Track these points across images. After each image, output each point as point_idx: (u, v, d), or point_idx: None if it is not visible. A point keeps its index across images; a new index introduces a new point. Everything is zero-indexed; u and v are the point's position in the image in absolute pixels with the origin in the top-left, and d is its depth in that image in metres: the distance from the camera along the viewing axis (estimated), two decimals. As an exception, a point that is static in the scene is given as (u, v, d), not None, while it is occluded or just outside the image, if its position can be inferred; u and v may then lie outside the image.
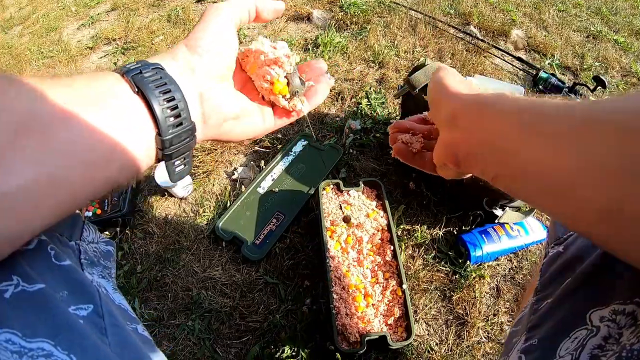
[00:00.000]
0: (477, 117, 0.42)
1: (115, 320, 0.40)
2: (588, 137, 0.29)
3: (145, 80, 0.37)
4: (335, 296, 1.02)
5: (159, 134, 0.38)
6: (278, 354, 1.03)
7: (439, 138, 0.49)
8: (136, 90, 0.37)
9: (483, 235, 1.18)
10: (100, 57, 1.84)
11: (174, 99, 0.38)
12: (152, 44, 1.83)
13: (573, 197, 0.31)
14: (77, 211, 0.46)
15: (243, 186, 1.30)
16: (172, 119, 0.38)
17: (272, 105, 0.50)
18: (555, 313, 0.48)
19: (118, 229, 1.24)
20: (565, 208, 0.33)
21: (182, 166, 0.43)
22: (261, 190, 1.26)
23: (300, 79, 0.49)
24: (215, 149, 1.41)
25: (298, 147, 1.36)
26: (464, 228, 1.23)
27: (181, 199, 1.31)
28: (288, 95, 0.48)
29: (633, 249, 0.29)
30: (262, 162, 1.36)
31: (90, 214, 1.24)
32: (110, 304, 0.41)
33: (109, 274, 0.50)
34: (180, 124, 0.39)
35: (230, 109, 0.45)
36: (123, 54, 1.82)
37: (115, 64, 1.76)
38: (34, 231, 0.33)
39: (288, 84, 0.47)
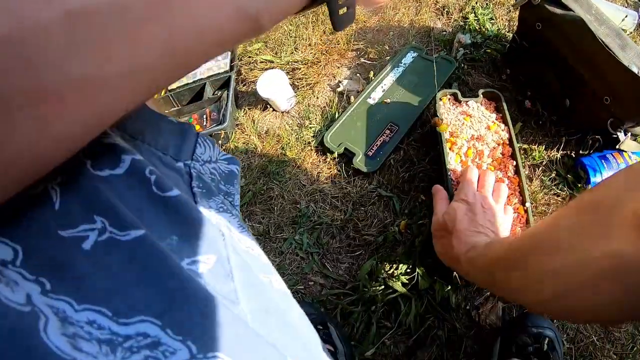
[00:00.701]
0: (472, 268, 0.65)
1: (249, 276, 0.29)
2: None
3: None
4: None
5: None
6: (392, 270, 0.98)
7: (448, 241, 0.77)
8: None
9: (603, 161, 1.08)
10: None
11: None
12: None
13: None
14: (202, 128, 0.38)
15: (352, 98, 1.23)
16: None
17: None
18: None
19: (220, 141, 1.20)
20: None
21: (346, 8, 0.35)
22: (372, 101, 1.18)
23: None
24: (319, 62, 1.33)
25: (408, 59, 1.26)
26: (581, 152, 1.13)
27: (284, 112, 1.26)
28: None
29: None
30: (371, 73, 1.27)
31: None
32: (239, 252, 0.30)
33: (231, 202, 0.39)
34: None
35: None
36: None
37: None
38: (131, 102, 0.23)
39: None
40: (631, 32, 1.39)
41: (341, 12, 0.36)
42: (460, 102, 1.11)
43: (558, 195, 1.08)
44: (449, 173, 0.99)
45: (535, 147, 1.13)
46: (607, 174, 1.06)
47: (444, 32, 1.37)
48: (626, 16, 1.37)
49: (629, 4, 1.51)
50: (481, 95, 1.11)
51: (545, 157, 1.13)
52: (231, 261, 0.28)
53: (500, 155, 1.04)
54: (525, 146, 1.14)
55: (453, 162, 1.03)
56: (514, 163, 1.03)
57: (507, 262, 0.47)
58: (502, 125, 1.08)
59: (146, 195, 0.27)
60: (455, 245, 0.72)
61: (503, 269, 0.48)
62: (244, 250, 0.32)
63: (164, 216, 0.27)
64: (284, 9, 0.29)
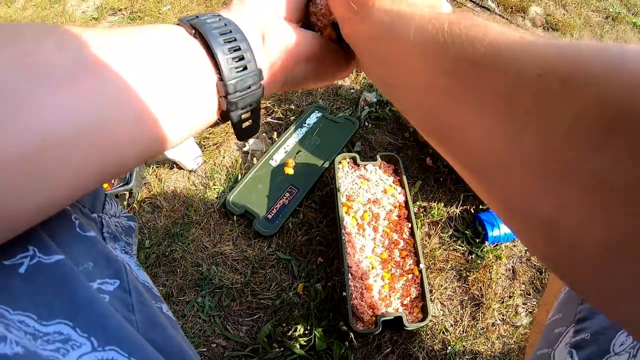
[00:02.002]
0: (388, 50, 0.34)
1: (142, 297, 0.37)
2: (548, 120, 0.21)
3: (202, 21, 0.33)
4: (350, 275, 0.99)
5: (220, 78, 0.33)
6: (290, 332, 1.00)
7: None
8: (193, 32, 0.33)
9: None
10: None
11: (235, 39, 0.34)
12: (160, 13, 1.76)
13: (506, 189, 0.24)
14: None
15: (255, 158, 1.26)
16: (234, 62, 0.33)
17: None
18: None
19: (125, 202, 1.20)
20: (492, 200, 0.27)
21: (250, 122, 0.39)
22: (274, 163, 1.22)
23: None
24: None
25: (312, 119, 1.31)
26: (481, 207, 1.20)
27: (190, 171, 1.27)
28: None
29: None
30: (275, 133, 1.31)
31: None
32: (136, 281, 0.38)
33: (131, 250, 0.46)
34: (245, 67, 0.34)
35: (300, 48, 0.39)
36: (129, 24, 1.75)
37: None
38: (70, 196, 0.29)
39: None
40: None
41: (245, 124, 0.39)
42: (358, 165, 1.16)
43: (456, 251, 1.14)
44: (344, 237, 1.03)
45: (435, 204, 1.19)
46: (505, 227, 1.12)
47: (352, 90, 1.43)
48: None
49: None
50: (379, 159, 1.16)
51: (445, 213, 1.19)
52: (130, 285, 0.36)
53: (397, 218, 1.10)
54: (425, 204, 1.20)
55: (349, 225, 1.07)
56: (409, 225, 1.08)
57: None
58: (399, 188, 1.13)
59: (71, 232, 0.34)
60: None
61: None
62: (141, 282, 0.40)
63: (83, 249, 0.34)
64: (192, 133, 0.35)
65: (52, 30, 0.28)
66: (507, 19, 1.66)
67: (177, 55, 0.32)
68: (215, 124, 0.38)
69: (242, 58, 0.34)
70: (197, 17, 0.34)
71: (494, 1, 1.78)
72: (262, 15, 0.38)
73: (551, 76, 0.21)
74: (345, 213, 1.08)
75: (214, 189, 1.22)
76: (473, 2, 1.68)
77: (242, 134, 0.39)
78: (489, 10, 1.67)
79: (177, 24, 0.34)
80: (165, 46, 0.32)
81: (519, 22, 1.69)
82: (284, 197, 1.15)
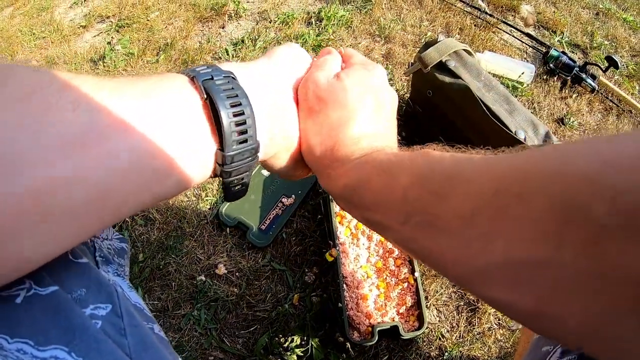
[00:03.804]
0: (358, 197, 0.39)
1: (134, 320, 0.38)
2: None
3: (217, 89, 0.34)
4: (345, 285, 0.99)
5: (221, 149, 0.34)
6: (287, 343, 1.00)
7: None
8: (205, 98, 0.34)
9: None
10: (94, 36, 1.75)
11: (243, 113, 0.35)
12: (148, 20, 1.74)
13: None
14: None
15: (247, 169, 1.25)
16: (237, 134, 0.35)
17: None
18: None
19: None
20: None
21: (240, 186, 0.40)
22: (266, 173, 1.21)
23: None
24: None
25: (304, 128, 1.30)
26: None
27: (182, 182, 1.26)
28: None
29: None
30: (267, 143, 1.30)
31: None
32: (128, 303, 0.39)
33: (123, 272, 0.48)
34: (245, 140, 0.35)
35: (293, 138, 0.43)
36: (117, 31, 1.73)
37: (109, 43, 1.67)
38: (70, 246, 0.32)
39: None
40: (528, 85, 1.49)
41: (235, 189, 0.40)
42: (350, 173, 1.15)
43: (449, 255, 1.14)
44: (338, 247, 1.02)
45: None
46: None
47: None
48: (523, 73, 1.47)
49: (528, 55, 1.62)
50: (371, 167, 1.16)
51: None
52: (122, 308, 0.37)
53: (389, 225, 1.09)
54: (417, 209, 1.19)
55: (343, 235, 1.06)
56: (402, 232, 1.07)
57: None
58: (391, 195, 1.13)
59: (64, 260, 0.35)
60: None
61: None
62: (133, 304, 0.40)
63: (76, 276, 0.35)
64: (189, 185, 0.36)
65: (68, 85, 0.29)
66: (498, 19, 1.65)
67: (187, 124, 0.33)
68: None
69: (245, 132, 0.35)
70: (212, 77, 0.34)
71: (484, 1, 1.77)
72: (273, 94, 0.40)
73: (507, 191, 0.24)
74: (339, 223, 1.08)
75: (207, 200, 1.21)
76: (463, 1, 1.67)
77: (231, 198, 0.41)
78: (479, 9, 1.66)
79: (191, 80, 0.35)
80: (176, 114, 0.32)
81: (509, 21, 1.68)
82: (277, 207, 1.15)
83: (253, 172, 1.12)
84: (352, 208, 0.41)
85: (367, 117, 0.43)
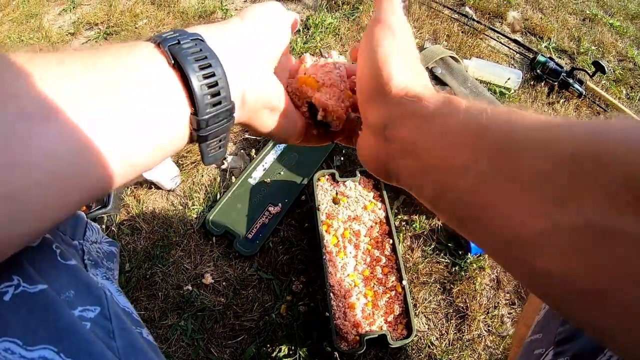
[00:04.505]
0: (418, 135, 0.34)
1: (123, 323, 0.38)
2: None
3: (184, 53, 0.32)
4: (332, 295, 0.98)
5: (194, 113, 0.33)
6: (275, 353, 0.99)
7: (363, 135, 0.41)
8: (172, 62, 0.32)
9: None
10: (82, 43, 1.75)
11: (213, 74, 0.33)
12: (136, 27, 1.74)
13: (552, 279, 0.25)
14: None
15: (233, 177, 1.24)
16: (210, 97, 0.33)
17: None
18: None
19: (104, 226, 1.18)
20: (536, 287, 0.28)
21: (217, 149, 0.39)
22: (252, 181, 1.20)
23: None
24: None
25: (291, 136, 1.29)
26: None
27: (169, 191, 1.25)
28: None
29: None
30: (253, 150, 1.29)
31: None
32: (116, 307, 0.39)
33: (112, 275, 0.48)
34: (219, 102, 0.34)
35: (271, 96, 0.40)
36: (105, 39, 1.73)
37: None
38: (49, 227, 0.30)
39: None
40: (515, 90, 1.49)
41: (212, 152, 0.39)
42: (337, 182, 1.15)
43: (440, 264, 1.14)
44: (325, 256, 1.02)
45: (417, 217, 1.19)
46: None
47: (330, 102, 1.41)
48: (509, 78, 1.47)
49: (516, 61, 1.63)
50: (359, 174, 1.16)
51: (427, 226, 1.19)
52: (111, 311, 0.36)
53: (378, 234, 1.09)
54: (407, 217, 1.19)
55: (329, 244, 1.06)
56: (391, 241, 1.07)
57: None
58: (379, 204, 1.13)
59: (53, 262, 0.35)
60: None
61: None
62: (121, 308, 0.40)
63: (64, 277, 0.35)
64: (163, 159, 0.35)
65: (36, 57, 0.28)
66: (485, 25, 1.66)
67: (155, 90, 0.32)
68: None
69: (218, 93, 0.34)
70: (178, 41, 0.33)
71: (472, 8, 1.78)
72: (246, 52, 0.38)
73: (583, 156, 0.23)
74: (326, 231, 1.07)
75: (193, 208, 1.20)
76: (450, 9, 1.68)
77: (209, 160, 0.39)
78: (466, 16, 1.67)
79: (158, 45, 0.33)
80: (144, 81, 0.31)
81: (497, 27, 1.69)
82: (264, 216, 1.14)
83: (240, 181, 1.11)
84: (407, 148, 0.35)
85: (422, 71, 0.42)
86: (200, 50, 0.34)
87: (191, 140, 0.36)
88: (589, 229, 0.22)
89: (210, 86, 0.33)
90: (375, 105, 0.39)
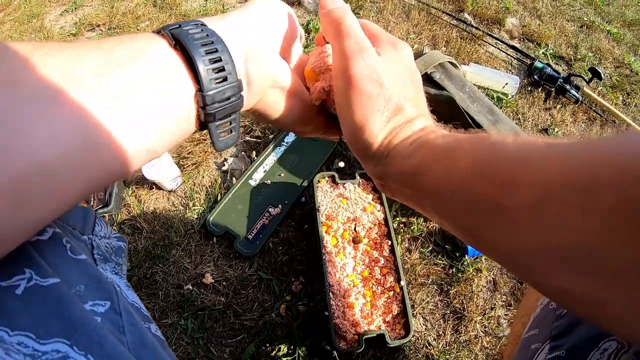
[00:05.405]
0: (413, 191, 0.37)
1: (132, 318, 0.38)
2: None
3: (184, 32, 0.33)
4: (331, 294, 1.00)
5: (200, 90, 0.33)
6: (274, 352, 1.00)
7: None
8: (174, 43, 0.33)
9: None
10: (83, 44, 1.77)
11: (216, 50, 0.33)
12: (138, 29, 1.76)
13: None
14: (88, 205, 0.43)
15: (234, 178, 1.26)
16: (214, 72, 0.33)
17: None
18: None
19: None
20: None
21: (229, 132, 0.38)
22: (253, 183, 1.22)
23: None
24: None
25: (290, 137, 1.31)
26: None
27: (170, 191, 1.26)
28: None
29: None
30: (254, 152, 1.31)
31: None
32: (126, 302, 0.39)
33: (120, 270, 0.47)
34: (225, 79, 0.34)
35: (278, 73, 0.40)
36: (107, 40, 1.74)
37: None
38: (57, 214, 0.30)
39: None
40: (513, 96, 1.51)
41: (223, 136, 0.38)
42: (337, 184, 1.16)
43: (437, 265, 1.15)
44: (324, 256, 1.03)
45: (415, 219, 1.20)
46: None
47: (330, 106, 1.43)
48: (507, 83, 1.49)
49: (513, 67, 1.65)
50: (358, 177, 1.17)
51: (425, 228, 1.20)
52: (121, 306, 0.37)
53: (376, 236, 1.10)
54: (405, 219, 1.20)
55: (329, 244, 1.07)
56: (389, 242, 1.08)
57: None
58: (378, 206, 1.14)
59: (63, 256, 0.35)
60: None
61: None
62: (130, 303, 0.40)
63: (75, 272, 0.35)
64: (173, 143, 0.35)
65: (40, 45, 0.28)
66: (483, 32, 1.68)
67: (157, 69, 0.31)
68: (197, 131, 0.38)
69: (222, 69, 0.33)
70: (179, 25, 0.34)
71: (470, 14, 1.80)
72: (247, 33, 0.38)
73: (575, 185, 0.24)
74: (325, 232, 1.08)
75: (194, 209, 1.22)
76: (449, 15, 1.70)
77: (221, 145, 0.39)
78: (465, 22, 1.69)
79: (159, 33, 0.34)
80: (145, 61, 0.31)
81: (495, 34, 1.71)
82: (265, 217, 1.16)
83: (241, 182, 1.12)
84: (407, 196, 0.39)
85: (415, 98, 0.42)
86: (202, 30, 0.34)
87: (200, 124, 0.35)
88: (584, 254, 0.24)
89: (213, 61, 0.33)
90: (365, 161, 0.42)
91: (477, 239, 0.33)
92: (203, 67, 0.32)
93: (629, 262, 0.22)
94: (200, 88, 0.33)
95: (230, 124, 0.37)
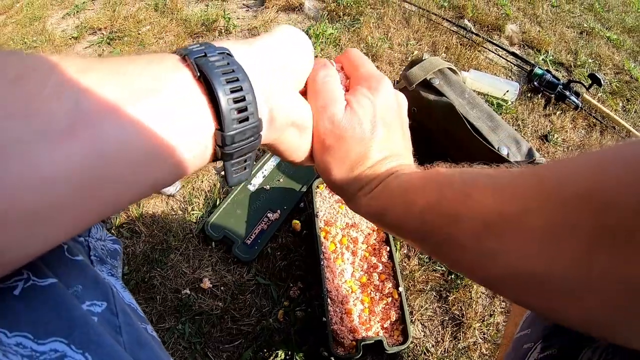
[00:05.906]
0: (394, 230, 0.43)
1: (129, 319, 0.38)
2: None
3: (209, 65, 0.31)
4: (329, 300, 0.99)
5: (220, 129, 0.32)
6: (271, 358, 1.00)
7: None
8: (198, 75, 0.31)
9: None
10: (85, 48, 1.77)
11: (241, 89, 0.32)
12: (139, 33, 1.76)
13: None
14: None
15: (233, 183, 1.26)
16: (236, 112, 0.32)
17: None
18: None
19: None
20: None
21: (242, 169, 0.38)
22: (252, 188, 1.22)
23: None
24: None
25: (290, 143, 1.31)
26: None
27: (169, 196, 1.26)
28: None
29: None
30: (253, 158, 1.31)
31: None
32: (123, 303, 0.39)
33: (116, 272, 0.48)
34: (246, 119, 0.33)
35: (303, 114, 0.41)
36: (109, 44, 1.75)
37: (100, 55, 1.69)
38: (69, 237, 0.30)
39: None
40: (513, 102, 1.51)
41: (237, 173, 0.37)
42: (335, 189, 1.16)
43: (436, 272, 1.15)
44: (322, 262, 1.03)
45: (413, 224, 1.20)
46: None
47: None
48: (507, 90, 1.49)
49: (513, 73, 1.65)
50: (356, 181, 1.17)
51: (422, 233, 1.19)
52: (117, 307, 0.37)
53: (375, 242, 1.10)
54: (403, 224, 1.20)
55: (327, 250, 1.07)
56: (388, 248, 1.08)
57: None
58: (376, 210, 1.14)
59: (60, 257, 0.35)
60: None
61: None
62: (126, 304, 0.40)
63: (72, 272, 0.35)
64: (182, 177, 0.34)
65: (52, 69, 0.26)
66: (483, 38, 1.68)
67: (179, 104, 0.30)
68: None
69: (245, 109, 0.32)
70: (205, 54, 0.32)
71: (470, 20, 1.81)
72: (273, 70, 0.37)
73: (508, 213, 0.29)
74: (324, 238, 1.08)
75: (193, 213, 1.22)
76: (449, 21, 1.71)
77: (234, 180, 0.38)
78: (465, 29, 1.70)
79: (183, 59, 0.32)
80: (167, 94, 0.30)
81: (495, 40, 1.72)
82: (263, 222, 1.16)
83: (240, 187, 1.12)
84: (380, 228, 0.47)
85: (383, 140, 0.43)
86: (228, 64, 0.32)
87: (214, 158, 0.35)
88: (521, 274, 0.28)
89: (237, 101, 0.32)
90: (341, 197, 0.48)
91: (441, 260, 0.40)
92: (226, 107, 0.31)
93: (562, 278, 0.25)
94: (220, 127, 0.32)
95: (246, 161, 0.37)
